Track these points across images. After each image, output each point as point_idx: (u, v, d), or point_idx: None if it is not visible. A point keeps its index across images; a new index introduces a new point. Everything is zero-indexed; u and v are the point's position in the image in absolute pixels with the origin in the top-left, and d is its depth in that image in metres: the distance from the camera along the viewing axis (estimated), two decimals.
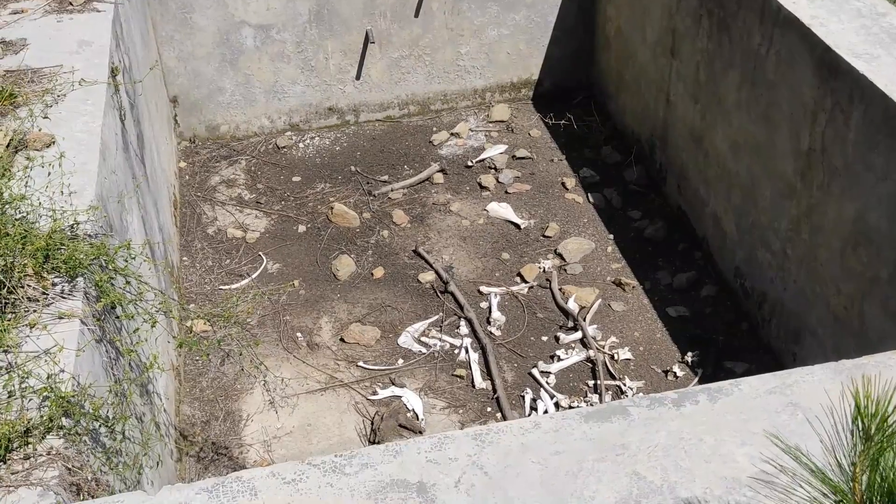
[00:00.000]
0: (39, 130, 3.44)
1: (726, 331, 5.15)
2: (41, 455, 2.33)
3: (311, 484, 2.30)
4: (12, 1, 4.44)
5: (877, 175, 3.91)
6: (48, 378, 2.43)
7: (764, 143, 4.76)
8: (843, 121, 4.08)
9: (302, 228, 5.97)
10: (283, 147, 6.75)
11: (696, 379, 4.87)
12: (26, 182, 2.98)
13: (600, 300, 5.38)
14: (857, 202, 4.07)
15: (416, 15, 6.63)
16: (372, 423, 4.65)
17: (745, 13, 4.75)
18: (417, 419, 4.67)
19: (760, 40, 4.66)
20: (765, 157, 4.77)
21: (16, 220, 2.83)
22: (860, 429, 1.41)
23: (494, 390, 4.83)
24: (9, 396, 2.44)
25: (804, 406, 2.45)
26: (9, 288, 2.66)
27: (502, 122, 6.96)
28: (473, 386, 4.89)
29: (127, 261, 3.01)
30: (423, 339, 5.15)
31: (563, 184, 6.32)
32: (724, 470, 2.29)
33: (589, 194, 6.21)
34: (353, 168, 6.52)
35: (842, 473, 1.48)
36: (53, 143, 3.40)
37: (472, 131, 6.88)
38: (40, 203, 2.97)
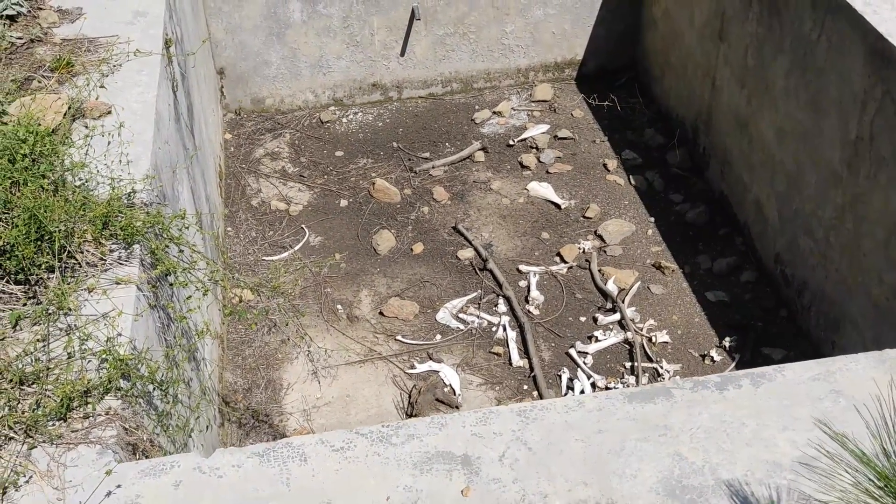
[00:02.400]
0: (97, 99, 3.51)
1: (765, 317, 5.15)
2: (100, 415, 2.41)
3: (359, 452, 2.36)
4: None
5: None
6: (107, 341, 2.51)
7: (811, 130, 4.72)
8: (893, 110, 4.05)
9: (344, 203, 6.03)
10: (327, 121, 6.81)
11: (733, 364, 4.88)
12: (86, 151, 3.05)
13: (639, 283, 5.39)
14: None
15: None
16: (409, 397, 4.72)
17: None
18: (454, 394, 4.73)
19: (812, 26, 4.62)
20: (811, 145, 4.74)
21: (76, 187, 2.91)
22: None
23: (531, 368, 4.88)
24: (68, 357, 2.52)
25: (847, 394, 2.46)
26: (69, 252, 2.74)
27: (545, 101, 6.96)
28: (510, 364, 4.94)
29: (181, 230, 3.08)
30: (461, 315, 5.20)
31: (604, 165, 6.32)
32: (766, 454, 2.32)
33: (630, 176, 6.21)
34: (395, 144, 6.56)
35: (887, 460, 1.50)
36: (110, 112, 3.47)
37: (514, 110, 6.89)
38: (99, 171, 3.05)
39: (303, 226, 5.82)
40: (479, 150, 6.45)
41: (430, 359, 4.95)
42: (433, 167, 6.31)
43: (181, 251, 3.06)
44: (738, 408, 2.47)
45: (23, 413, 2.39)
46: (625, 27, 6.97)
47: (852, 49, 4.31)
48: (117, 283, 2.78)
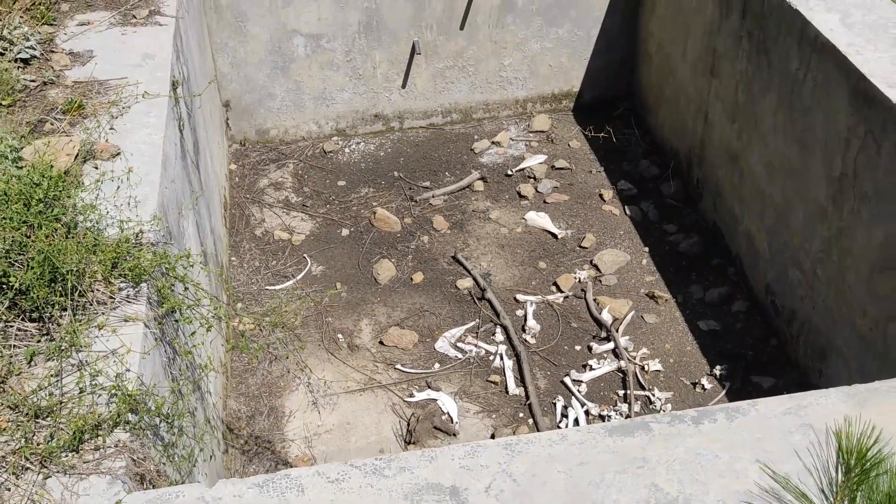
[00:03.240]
0: (106, 141, 3.67)
1: (755, 346, 5.28)
2: (110, 447, 2.55)
3: (354, 484, 2.49)
4: (79, 13, 4.70)
5: None
6: (116, 377, 2.66)
7: (798, 166, 4.87)
8: (875, 149, 4.20)
9: (345, 232, 6.19)
10: (330, 152, 6.98)
11: (724, 392, 5.01)
12: (97, 194, 3.21)
13: (633, 312, 5.53)
14: (885, 228, 4.19)
15: (462, 28, 6.81)
16: (408, 424, 4.85)
17: (785, 37, 4.87)
18: (452, 422, 4.85)
19: (798, 65, 4.78)
20: (798, 180, 4.88)
21: (87, 229, 3.06)
22: (842, 463, 1.58)
23: (527, 397, 5.01)
24: (80, 392, 2.67)
25: (817, 427, 2.60)
26: (80, 292, 2.90)
27: (543, 132, 7.13)
28: (507, 392, 5.07)
29: (186, 269, 3.23)
30: (459, 344, 5.34)
31: (600, 195, 6.47)
32: (737, 484, 2.45)
33: (626, 206, 6.35)
34: (396, 174, 6.72)
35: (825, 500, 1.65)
36: (119, 153, 3.64)
37: (512, 140, 7.05)
38: (108, 213, 3.20)
39: (305, 255, 5.98)
40: (479, 179, 6.61)
41: (429, 387, 5.09)
42: (433, 196, 6.47)
43: (186, 289, 3.21)
44: (712, 441, 2.60)
45: (38, 445, 2.53)
46: (620, 60, 7.14)
47: (837, 88, 4.46)
48: (126, 321, 2.93)
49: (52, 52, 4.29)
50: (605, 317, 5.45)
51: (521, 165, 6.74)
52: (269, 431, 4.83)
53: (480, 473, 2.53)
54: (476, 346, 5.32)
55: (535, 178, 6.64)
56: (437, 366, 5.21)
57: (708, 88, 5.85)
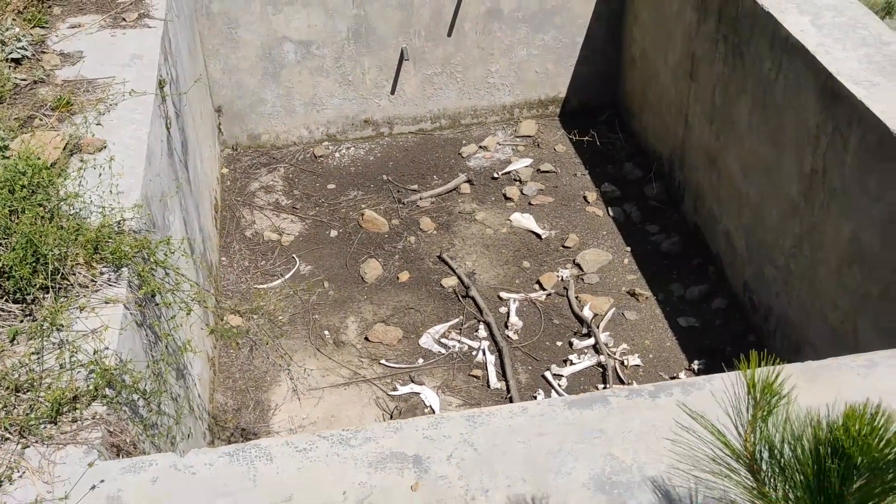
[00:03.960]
0: (92, 136, 3.79)
1: (734, 342, 5.38)
2: (87, 419, 2.66)
3: (321, 453, 2.60)
4: (70, 16, 4.83)
5: (870, 197, 4.14)
6: (94, 353, 2.77)
7: (772, 164, 4.99)
8: (841, 145, 4.31)
9: (334, 233, 6.30)
10: (320, 156, 7.10)
11: None
12: (80, 182, 3.33)
13: (614, 309, 5.63)
14: (852, 222, 4.30)
15: (449, 34, 6.95)
16: (391, 417, 4.95)
17: (757, 39, 5.00)
18: (434, 414, 4.95)
19: (770, 66, 4.90)
20: (772, 178, 5.00)
21: (70, 215, 3.18)
22: (752, 397, 1.69)
23: (508, 391, 5.10)
24: (60, 368, 2.77)
25: None
26: (63, 274, 3.01)
27: (529, 136, 7.25)
28: (489, 386, 5.17)
29: (166, 255, 3.35)
30: (443, 340, 5.44)
31: (584, 197, 6.58)
32: (688, 452, 2.54)
33: (609, 208, 6.47)
34: (384, 177, 6.84)
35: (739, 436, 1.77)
36: (105, 147, 3.76)
37: (499, 145, 7.17)
38: (91, 201, 3.32)
39: (294, 255, 6.09)
40: (465, 182, 6.73)
41: (412, 381, 5.19)
42: (421, 199, 6.58)
43: (167, 274, 3.33)
44: (668, 413, 2.70)
45: (18, 416, 2.64)
46: (605, 67, 7.27)
47: (806, 87, 4.58)
48: (106, 303, 3.04)
49: (44, 52, 4.42)
50: (587, 313, 5.55)
51: (508, 169, 6.86)
52: (255, 424, 4.93)
53: (443, 443, 2.63)
54: (459, 341, 5.43)
55: (520, 181, 6.75)
56: (420, 361, 5.31)
57: (688, 92, 5.97)
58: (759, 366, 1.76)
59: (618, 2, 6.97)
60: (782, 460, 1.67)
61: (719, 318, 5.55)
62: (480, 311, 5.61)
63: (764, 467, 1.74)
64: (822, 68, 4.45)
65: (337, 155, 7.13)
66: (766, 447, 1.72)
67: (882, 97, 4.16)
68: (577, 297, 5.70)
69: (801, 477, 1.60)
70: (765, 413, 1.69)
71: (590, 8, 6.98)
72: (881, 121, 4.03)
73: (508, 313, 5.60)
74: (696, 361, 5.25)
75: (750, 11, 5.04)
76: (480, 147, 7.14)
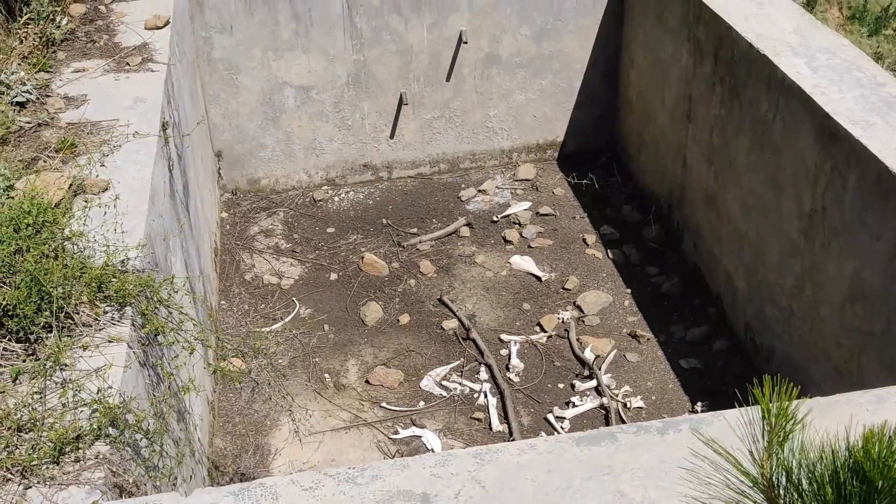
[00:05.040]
0: (96, 177, 3.81)
1: (736, 383, 5.34)
2: (90, 459, 2.63)
3: (327, 491, 2.56)
4: (75, 61, 4.88)
5: (871, 235, 4.15)
6: (98, 392, 2.74)
7: (771, 204, 5.01)
8: (840, 184, 4.34)
9: (334, 276, 6.30)
10: (320, 200, 7.12)
11: None
12: (84, 221, 3.33)
13: (616, 351, 5.61)
14: (853, 260, 4.31)
15: (448, 79, 7.02)
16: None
17: (754, 81, 5.05)
18: None
19: (767, 107, 4.95)
20: (772, 218, 5.02)
21: (74, 254, 3.17)
22: (768, 423, 1.68)
23: (510, 433, 5.06)
24: (63, 407, 2.75)
25: None
26: (66, 313, 3.00)
27: (528, 180, 7.29)
28: (490, 429, 5.13)
29: (170, 294, 3.34)
30: (444, 382, 5.41)
31: (584, 240, 6.60)
32: (699, 488, 2.51)
33: (609, 250, 6.48)
34: (384, 221, 6.86)
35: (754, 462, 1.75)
36: (108, 188, 3.77)
37: (498, 188, 7.21)
38: (95, 240, 3.32)
39: (293, 298, 6.08)
40: (465, 225, 6.75)
41: (414, 424, 5.15)
42: (420, 242, 6.59)
43: (170, 313, 3.31)
44: (677, 449, 2.68)
45: (20, 457, 2.60)
46: (603, 110, 7.34)
47: (804, 128, 4.63)
48: (110, 342, 3.02)
49: (48, 96, 4.45)
50: (588, 355, 5.53)
51: (507, 212, 6.88)
52: (255, 469, 4.87)
53: (450, 481, 2.60)
54: (461, 384, 5.40)
55: (520, 224, 6.77)
56: (421, 404, 5.28)
57: (685, 133, 6.02)
58: (773, 391, 1.74)
59: (613, 47, 7.06)
60: (801, 486, 1.66)
61: (721, 360, 5.53)
62: (481, 353, 5.59)
63: (782, 493, 1.72)
64: (818, 109, 4.49)
65: (336, 199, 7.16)
66: (784, 473, 1.70)
67: (879, 136, 4.20)
68: (578, 339, 5.68)
69: (821, 501, 1.59)
70: (781, 438, 1.68)
71: (586, 53, 7.06)
72: (879, 159, 4.06)
73: (509, 355, 5.58)
74: (699, 403, 5.22)
75: (745, 54, 5.10)
76: (479, 191, 7.17)
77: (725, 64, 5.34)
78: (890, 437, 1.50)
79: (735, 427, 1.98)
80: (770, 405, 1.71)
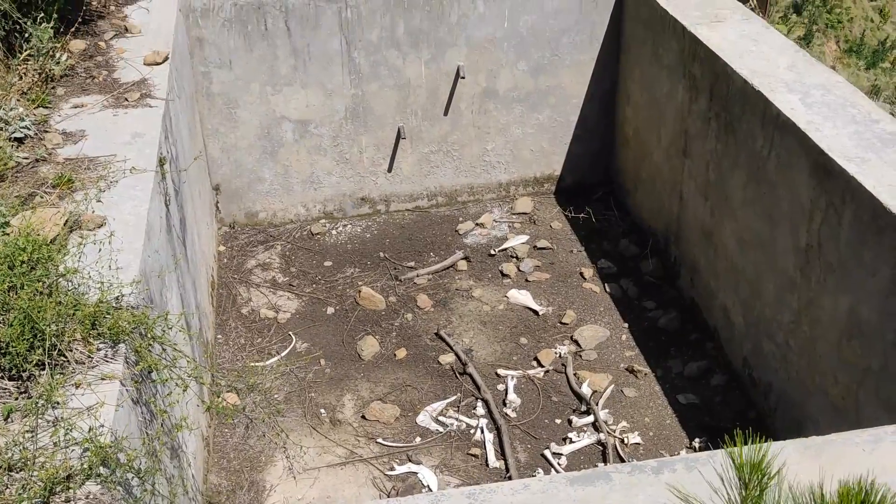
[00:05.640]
0: (92, 212, 3.81)
1: (734, 419, 5.32)
2: (80, 499, 2.61)
3: None
4: (74, 96, 4.90)
5: (867, 271, 4.15)
6: (89, 430, 2.73)
7: (767, 239, 5.02)
8: (836, 219, 4.35)
9: (331, 310, 6.29)
10: (317, 234, 7.13)
11: None
12: (79, 257, 3.33)
13: (613, 386, 5.59)
14: (850, 296, 4.30)
15: (446, 114, 7.05)
16: (388, 498, 4.86)
17: (749, 117, 5.08)
18: None
19: (762, 143, 4.97)
20: (768, 253, 5.02)
21: (69, 290, 3.17)
22: (741, 481, 1.67)
23: (507, 470, 5.03)
24: (54, 446, 2.73)
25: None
26: (59, 350, 2.99)
27: (525, 213, 7.30)
28: (487, 465, 5.09)
29: (164, 330, 3.33)
30: (440, 418, 5.38)
31: (581, 274, 6.60)
32: None
33: (606, 284, 6.48)
34: (381, 254, 6.86)
35: None
36: (104, 223, 3.77)
37: (496, 222, 7.22)
38: (90, 276, 3.32)
39: (290, 332, 6.07)
40: (462, 259, 6.75)
41: (410, 460, 5.11)
42: (417, 276, 6.59)
43: (164, 350, 3.30)
44: (671, 489, 2.66)
45: (10, 497, 2.58)
46: (599, 145, 7.37)
47: (798, 164, 4.64)
48: (102, 379, 3.01)
49: (46, 131, 4.47)
50: (585, 390, 5.51)
51: (504, 246, 6.89)
52: None
53: None
54: (457, 419, 5.37)
55: (517, 258, 6.78)
56: (418, 439, 5.25)
57: (681, 168, 6.04)
58: (748, 444, 1.73)
59: (610, 82, 7.10)
60: None
61: (719, 395, 5.51)
62: (478, 388, 5.56)
63: None
64: (813, 145, 4.51)
65: (334, 232, 7.17)
66: None
67: (873, 173, 4.21)
68: (575, 374, 5.66)
69: None
70: (755, 494, 1.67)
71: (583, 89, 7.11)
72: (874, 195, 4.08)
73: (506, 390, 5.55)
74: (696, 439, 5.19)
75: (740, 90, 5.13)
76: (477, 224, 7.19)
77: (721, 100, 5.37)
78: (867, 491, 1.48)
79: (724, 471, 1.97)
80: (744, 460, 1.69)
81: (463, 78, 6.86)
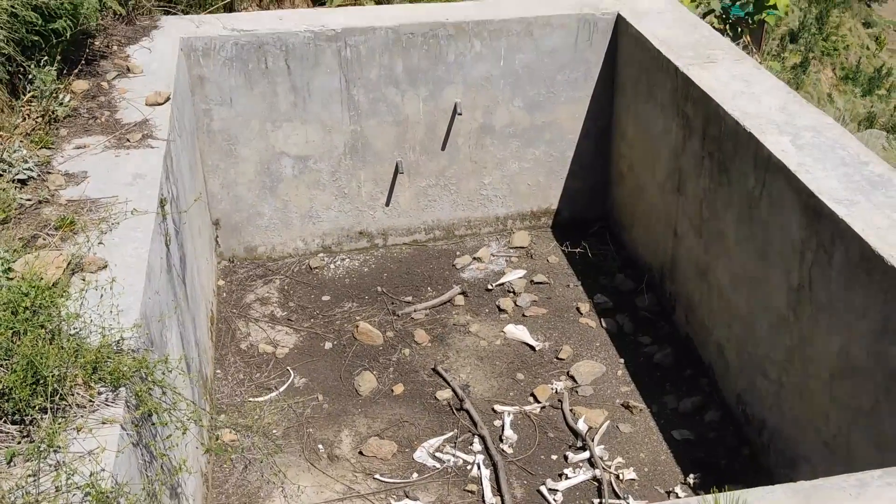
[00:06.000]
0: (94, 255, 3.88)
1: (728, 455, 5.37)
2: None
3: None
4: (76, 137, 4.98)
5: (857, 311, 4.22)
6: (91, 475, 2.78)
7: (760, 277, 5.09)
8: (826, 260, 4.42)
9: (328, 345, 6.34)
10: (316, 268, 7.20)
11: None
12: (81, 303, 3.39)
13: (609, 422, 5.63)
14: (841, 336, 4.36)
15: (443, 148, 7.14)
16: None
17: (741, 157, 5.16)
18: None
19: (754, 183, 5.05)
20: (761, 291, 5.09)
21: (70, 335, 3.23)
22: None
23: None
24: (56, 491, 2.78)
25: None
26: (61, 395, 3.04)
27: (522, 248, 7.37)
28: (484, 501, 5.12)
29: (164, 374, 3.39)
30: (437, 454, 5.42)
31: (577, 308, 6.66)
32: None
33: (602, 319, 6.53)
34: (379, 289, 6.92)
35: None
36: (106, 266, 3.83)
37: (493, 256, 7.29)
38: (91, 320, 3.38)
39: (288, 368, 6.11)
40: (459, 294, 6.81)
41: (407, 497, 5.15)
42: (415, 311, 6.65)
43: (164, 393, 3.36)
44: None
45: None
46: (595, 180, 7.46)
47: (789, 204, 4.72)
48: (103, 423, 3.06)
49: (49, 173, 4.54)
50: (581, 426, 5.55)
51: (501, 280, 6.95)
52: None
53: None
54: (454, 455, 5.41)
55: (514, 293, 6.84)
56: (415, 475, 5.28)
57: (676, 205, 6.12)
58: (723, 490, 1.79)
59: (605, 119, 7.20)
60: None
61: (713, 431, 5.55)
62: (475, 424, 5.61)
63: None
64: (803, 187, 4.59)
65: (332, 266, 7.23)
66: None
67: (862, 215, 4.29)
68: (571, 410, 5.71)
69: None
70: None
71: (578, 125, 7.20)
72: (862, 238, 4.15)
73: (503, 426, 5.60)
74: (691, 475, 5.23)
75: (732, 131, 5.22)
76: (474, 258, 7.25)
77: (713, 140, 5.46)
78: None
79: None
80: None
81: (460, 114, 6.95)
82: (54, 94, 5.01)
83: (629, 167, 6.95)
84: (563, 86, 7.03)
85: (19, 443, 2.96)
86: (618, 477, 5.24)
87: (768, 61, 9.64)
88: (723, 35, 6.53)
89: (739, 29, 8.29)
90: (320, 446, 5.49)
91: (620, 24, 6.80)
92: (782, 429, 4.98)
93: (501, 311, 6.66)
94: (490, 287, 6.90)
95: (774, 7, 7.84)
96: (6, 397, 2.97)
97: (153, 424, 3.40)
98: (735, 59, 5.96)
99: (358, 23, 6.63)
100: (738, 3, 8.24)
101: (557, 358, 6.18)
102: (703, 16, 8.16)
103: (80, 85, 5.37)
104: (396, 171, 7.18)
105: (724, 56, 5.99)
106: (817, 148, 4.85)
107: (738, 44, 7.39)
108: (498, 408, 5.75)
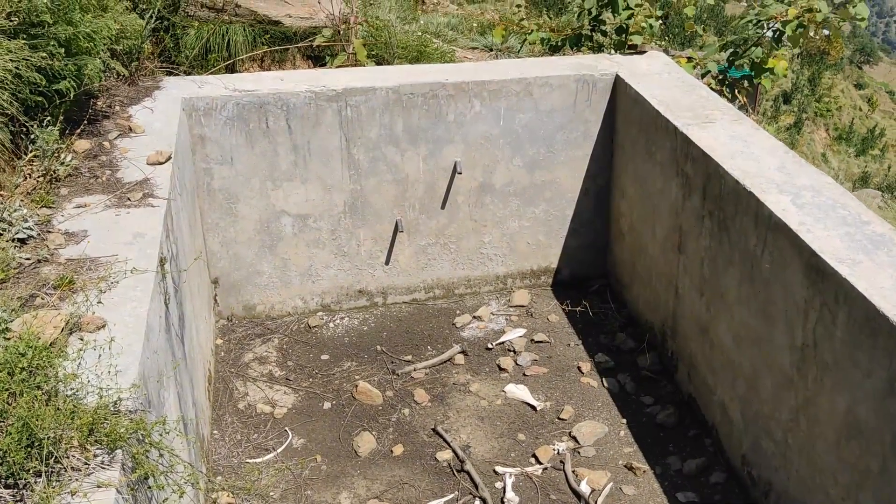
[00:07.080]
0: (93, 314, 3.84)
1: None
2: None
3: None
4: (77, 196, 4.98)
5: (862, 372, 4.17)
6: None
7: (763, 336, 5.05)
8: (830, 320, 4.39)
9: (327, 405, 6.26)
10: (315, 326, 7.15)
11: None
12: (79, 363, 3.35)
13: (612, 483, 5.54)
14: (847, 396, 4.31)
15: (443, 207, 7.15)
16: None
17: (742, 217, 5.16)
18: None
19: (756, 241, 5.04)
20: (764, 350, 5.05)
21: (67, 396, 3.18)
22: None
23: None
24: None
25: None
26: (56, 458, 2.98)
27: (522, 306, 7.33)
28: None
29: (161, 435, 3.33)
30: None
31: (578, 368, 6.60)
32: None
33: (604, 379, 6.47)
34: (378, 348, 6.87)
35: None
36: (104, 326, 3.79)
37: (493, 315, 7.25)
38: (89, 381, 3.33)
39: (286, 428, 6.03)
40: (459, 353, 6.75)
41: None
42: (414, 370, 6.59)
43: (161, 455, 3.29)
44: None
45: None
46: (595, 239, 7.46)
47: (792, 263, 4.70)
48: (98, 487, 2.99)
49: (49, 232, 4.53)
50: (584, 488, 5.46)
51: (501, 339, 6.90)
52: None
53: None
54: None
55: (514, 352, 6.79)
56: None
57: (676, 264, 6.11)
58: None
59: (604, 178, 7.23)
60: None
61: (718, 493, 5.46)
62: (476, 486, 5.51)
63: None
64: (805, 246, 4.58)
65: (331, 325, 7.19)
66: None
67: (865, 275, 4.26)
68: (573, 472, 5.62)
69: None
70: None
71: (578, 183, 7.23)
72: (866, 297, 4.12)
73: (504, 488, 5.50)
74: None
75: (732, 190, 5.23)
76: (474, 317, 7.21)
77: (714, 199, 5.47)
78: None
79: None
80: None
81: (460, 173, 6.98)
82: (56, 154, 5.02)
83: (629, 226, 6.95)
84: (562, 145, 7.07)
85: None
86: None
87: (763, 124, 9.73)
88: (720, 96, 6.59)
89: (736, 90, 8.37)
90: None
91: (619, 84, 6.86)
92: (789, 491, 4.90)
93: (502, 370, 6.61)
94: (490, 346, 6.85)
95: (772, 71, 7.92)
96: (0, 461, 2.91)
97: (149, 488, 3.33)
98: (733, 119, 6.00)
99: (359, 83, 6.68)
100: (734, 66, 8.34)
101: (559, 418, 6.10)
102: (701, 77, 8.25)
103: (82, 144, 5.39)
104: (396, 230, 7.18)
105: (722, 116, 6.04)
106: (818, 207, 4.85)
107: (734, 104, 7.46)
108: (499, 469, 5.66)
